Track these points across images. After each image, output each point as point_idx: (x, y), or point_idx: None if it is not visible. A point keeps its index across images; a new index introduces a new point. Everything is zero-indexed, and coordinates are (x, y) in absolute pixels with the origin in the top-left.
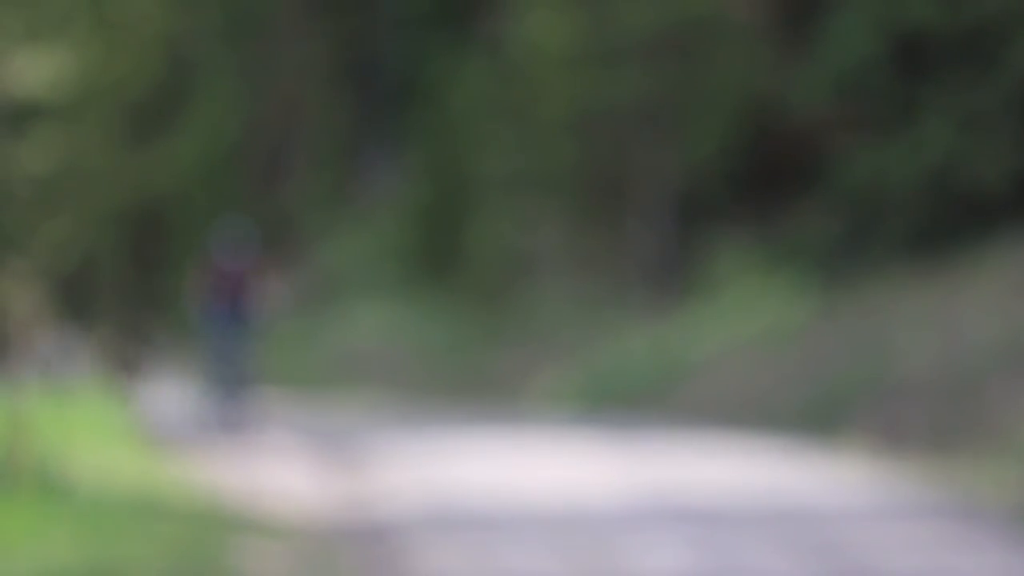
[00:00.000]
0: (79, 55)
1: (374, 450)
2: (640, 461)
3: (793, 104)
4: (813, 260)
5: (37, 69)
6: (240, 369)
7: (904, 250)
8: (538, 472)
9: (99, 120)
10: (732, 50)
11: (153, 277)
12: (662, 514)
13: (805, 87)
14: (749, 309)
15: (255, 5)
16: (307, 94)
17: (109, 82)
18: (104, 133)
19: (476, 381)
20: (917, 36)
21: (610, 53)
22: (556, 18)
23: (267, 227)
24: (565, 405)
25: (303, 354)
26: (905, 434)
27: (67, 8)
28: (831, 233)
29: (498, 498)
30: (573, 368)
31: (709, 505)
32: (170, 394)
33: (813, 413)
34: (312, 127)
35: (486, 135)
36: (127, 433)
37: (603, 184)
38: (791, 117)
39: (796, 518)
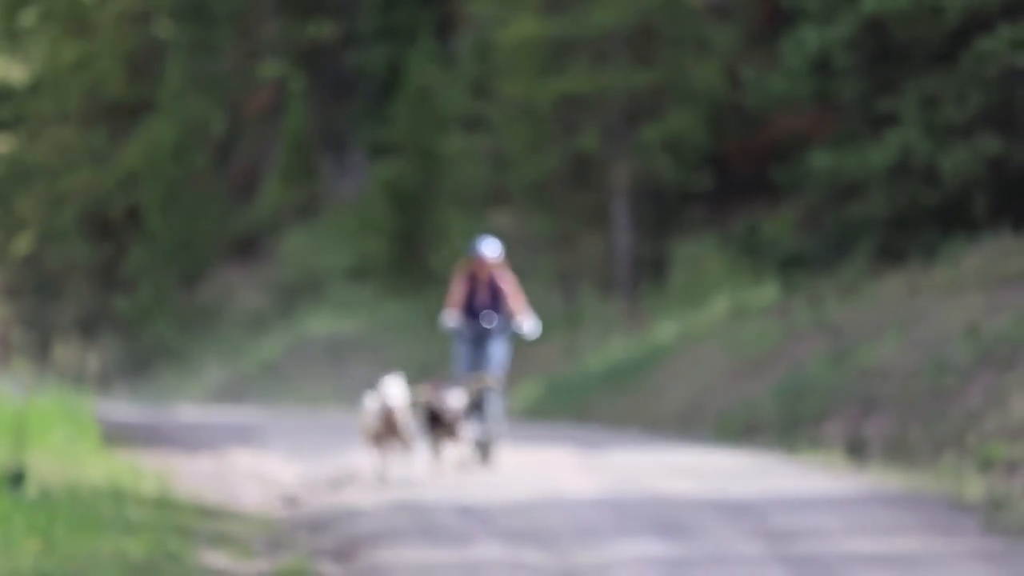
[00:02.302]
0: (53, 51)
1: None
2: (603, 463)
3: (757, 102)
4: (776, 261)
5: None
6: (489, 383)
7: (865, 246)
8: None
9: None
10: (700, 48)
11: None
12: (628, 507)
13: (771, 83)
14: (713, 311)
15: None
16: (281, 98)
17: (83, 78)
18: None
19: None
20: (883, 28)
21: (576, 51)
22: (525, 23)
23: (242, 223)
24: (526, 411)
25: (274, 341)
26: (867, 435)
27: (43, 8)
28: (794, 234)
29: (469, 490)
30: (534, 377)
31: (676, 501)
32: (130, 393)
33: (778, 418)
34: (285, 129)
35: (458, 140)
36: (89, 431)
37: (574, 185)
38: (755, 116)
39: (756, 510)
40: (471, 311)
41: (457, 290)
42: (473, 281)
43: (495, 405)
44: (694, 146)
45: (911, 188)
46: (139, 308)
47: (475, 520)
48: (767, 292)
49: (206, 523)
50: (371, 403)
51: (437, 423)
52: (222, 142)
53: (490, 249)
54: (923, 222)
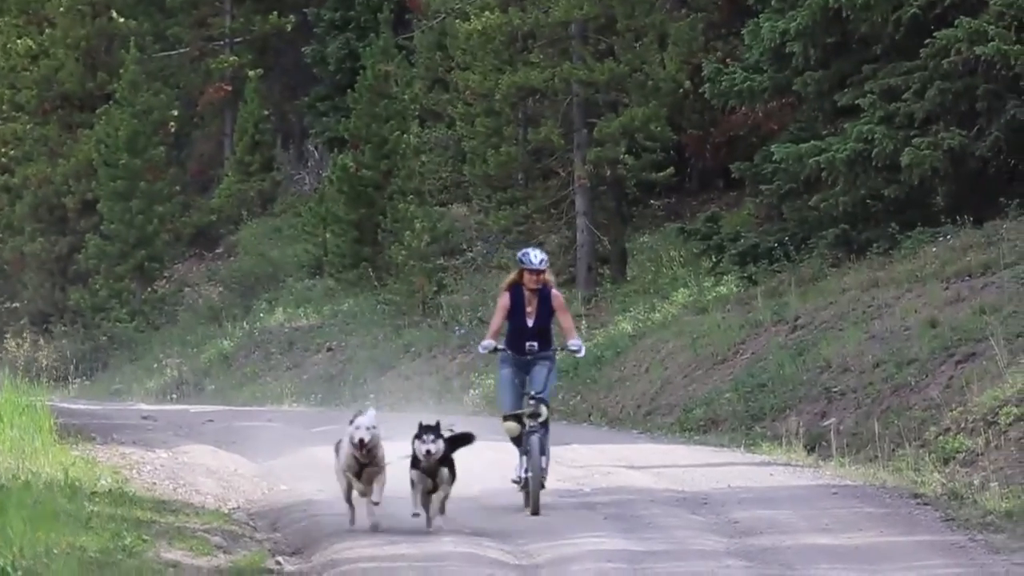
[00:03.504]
0: (7, 43)
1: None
2: (563, 457)
3: (717, 95)
4: (736, 254)
5: None
6: (536, 404)
7: (825, 240)
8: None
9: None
10: (661, 40)
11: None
12: (588, 501)
13: (731, 75)
14: (673, 305)
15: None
16: (237, 91)
17: (37, 70)
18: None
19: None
20: (842, 20)
21: (535, 43)
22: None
23: (198, 216)
24: (485, 406)
25: (232, 335)
26: (827, 428)
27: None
28: (754, 227)
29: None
30: (493, 371)
31: (636, 495)
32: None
33: (739, 412)
34: (242, 122)
35: (416, 133)
36: (43, 425)
37: (533, 178)
38: (716, 109)
39: (716, 504)
40: (516, 330)
41: (500, 311)
42: (519, 296)
43: (543, 440)
44: (654, 139)
45: (871, 181)
46: (95, 301)
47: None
48: (727, 285)
49: (163, 517)
50: (349, 438)
51: (415, 462)
52: (178, 134)
53: (538, 258)
54: (883, 215)
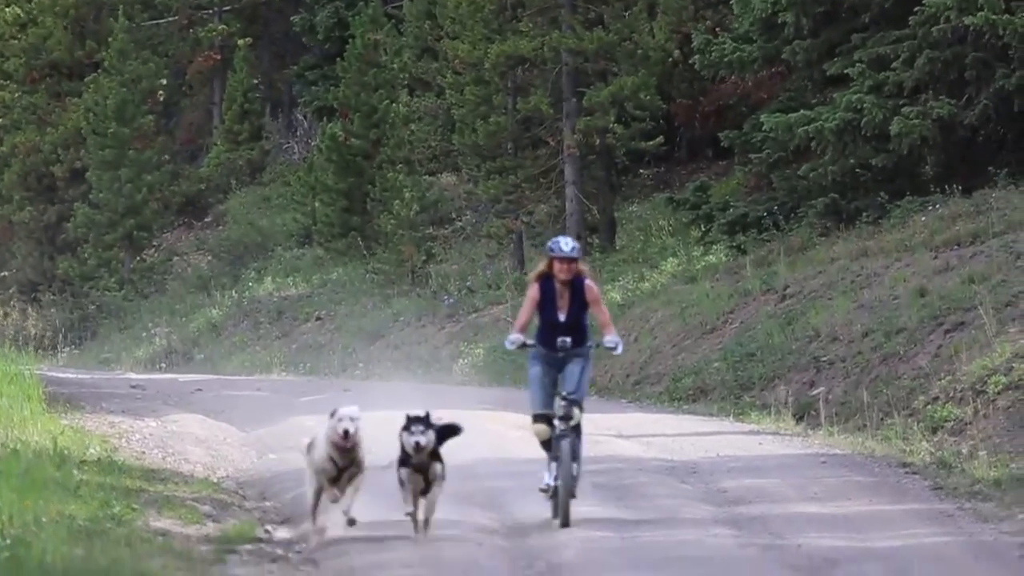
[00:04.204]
0: None
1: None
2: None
3: (707, 64)
4: (725, 223)
5: None
6: (568, 406)
7: (814, 209)
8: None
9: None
10: (650, 10)
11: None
12: (582, 470)
13: (720, 45)
14: (662, 274)
15: None
16: (226, 59)
17: (26, 38)
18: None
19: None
20: None
21: (524, 12)
22: None
23: (187, 185)
24: (475, 375)
25: (220, 304)
26: (816, 397)
27: None
28: (744, 196)
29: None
30: (482, 341)
31: (625, 464)
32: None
33: (728, 381)
34: (231, 91)
35: (405, 102)
36: (32, 394)
37: (523, 147)
38: (705, 78)
39: (705, 473)
40: (547, 325)
41: (528, 303)
42: (549, 288)
43: (575, 444)
44: (643, 108)
45: (860, 150)
46: (83, 270)
47: None
48: (716, 254)
49: (152, 486)
50: (329, 433)
51: (404, 459)
52: (167, 103)
53: (569, 245)
54: (872, 184)
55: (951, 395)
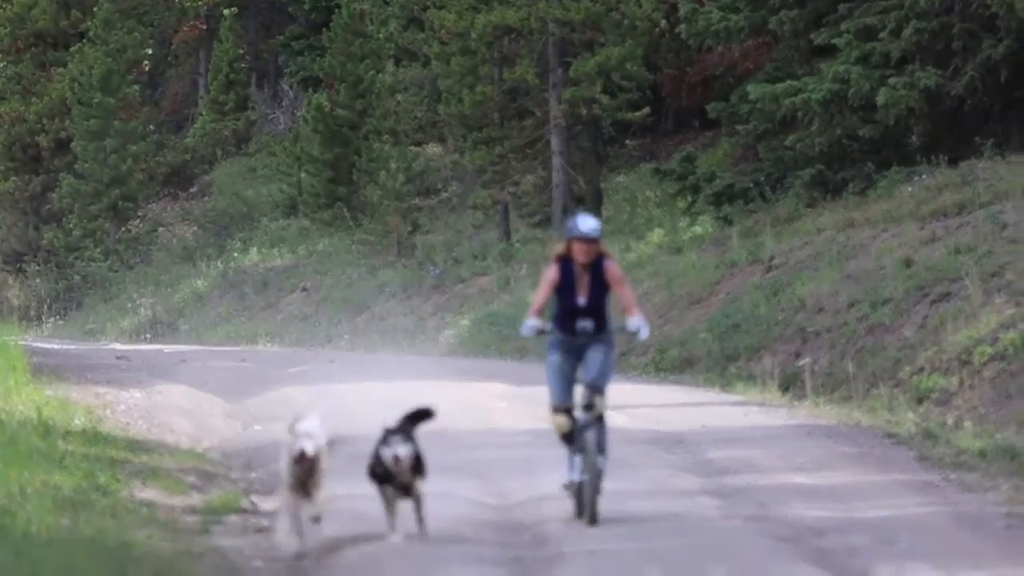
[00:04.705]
0: None
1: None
2: (538, 398)
3: (693, 34)
4: (712, 193)
5: None
6: (591, 394)
7: (801, 179)
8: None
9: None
10: None
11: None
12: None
13: (707, 14)
14: (648, 244)
15: None
16: (212, 29)
17: (11, 7)
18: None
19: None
20: None
21: None
22: None
23: (173, 155)
24: (461, 346)
25: (206, 274)
26: (802, 368)
27: None
28: (730, 166)
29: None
30: (469, 311)
31: (611, 435)
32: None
33: (714, 352)
34: (216, 61)
35: (392, 72)
36: (17, 364)
37: (509, 118)
38: (692, 48)
39: (691, 443)
40: (567, 309)
41: (545, 285)
42: (568, 270)
43: (600, 436)
44: (630, 78)
45: (847, 121)
46: (68, 240)
47: None
48: (702, 225)
49: (137, 457)
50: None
51: (386, 477)
52: (152, 73)
53: (590, 225)
54: (859, 155)
55: (937, 366)
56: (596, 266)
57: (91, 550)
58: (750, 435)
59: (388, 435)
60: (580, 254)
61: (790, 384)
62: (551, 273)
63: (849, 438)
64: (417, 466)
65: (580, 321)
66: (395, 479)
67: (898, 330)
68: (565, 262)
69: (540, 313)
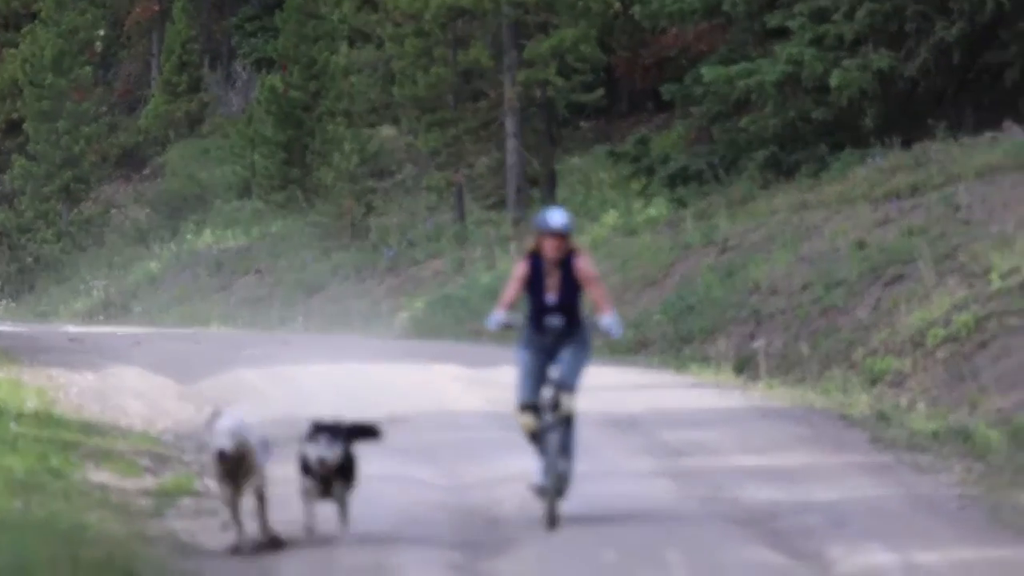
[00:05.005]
0: None
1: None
2: (491, 380)
3: (647, 16)
4: (666, 176)
5: None
6: (556, 393)
7: (754, 162)
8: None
9: None
10: None
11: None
12: (516, 423)
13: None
14: (602, 226)
15: None
16: (164, 10)
17: None
18: None
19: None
20: None
21: None
22: None
23: (125, 137)
24: (414, 329)
25: (159, 256)
26: (756, 350)
27: None
28: (684, 149)
29: (358, 406)
30: (423, 294)
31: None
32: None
33: (668, 334)
34: (169, 42)
35: (345, 54)
36: None
37: (463, 100)
38: (646, 31)
39: (645, 426)
40: (536, 307)
41: (514, 281)
42: (538, 267)
43: (568, 438)
44: (584, 60)
45: (800, 103)
46: (20, 222)
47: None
48: (656, 207)
49: (90, 439)
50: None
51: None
52: (104, 54)
53: (559, 219)
54: (813, 137)
55: (890, 347)
56: (567, 263)
57: (44, 532)
58: (704, 417)
59: (317, 432)
60: (550, 250)
61: (744, 366)
62: (519, 270)
63: (803, 420)
64: (347, 473)
65: (549, 318)
66: (316, 476)
67: (852, 312)
68: (535, 258)
69: (509, 308)
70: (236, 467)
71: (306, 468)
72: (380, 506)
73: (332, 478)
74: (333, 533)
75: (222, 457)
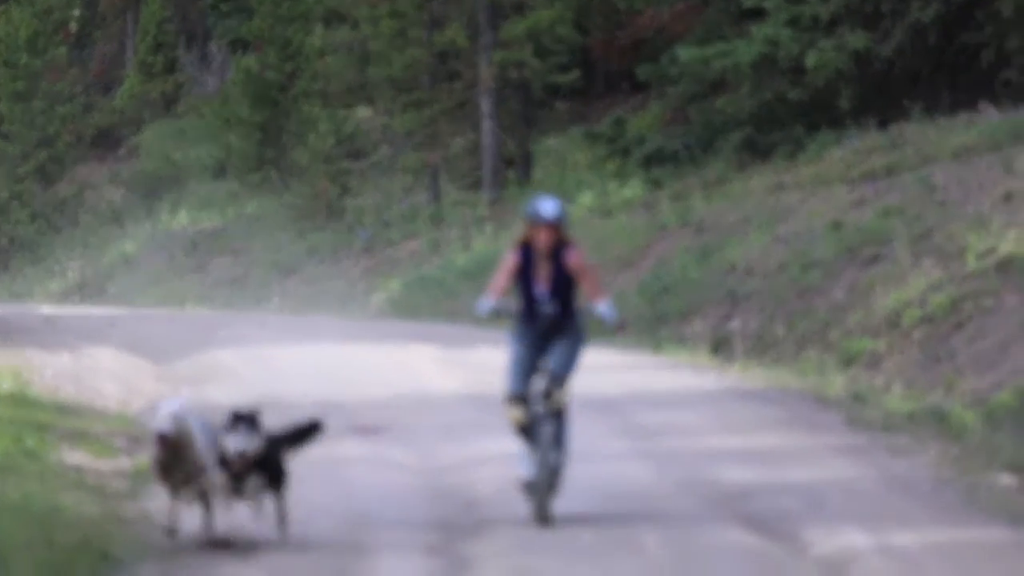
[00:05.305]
0: None
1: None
2: (467, 361)
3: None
4: (641, 157)
5: None
6: (549, 383)
7: (730, 142)
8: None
9: None
10: None
11: None
12: (491, 405)
13: None
14: (578, 207)
15: None
16: None
17: None
18: None
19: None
20: None
21: None
22: None
23: (101, 117)
24: (390, 309)
25: (135, 237)
26: (732, 331)
27: None
28: (660, 130)
29: (331, 386)
30: (398, 274)
31: None
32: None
33: (644, 315)
34: (144, 22)
35: (321, 35)
36: None
37: (439, 81)
38: (622, 11)
39: (621, 407)
40: (527, 297)
41: (504, 272)
42: (530, 256)
43: (560, 430)
44: (560, 41)
45: (776, 83)
46: None
47: (338, 417)
48: (632, 188)
49: (66, 421)
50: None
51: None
52: (80, 35)
53: (550, 210)
54: (789, 118)
55: (866, 328)
56: (558, 254)
57: (19, 514)
58: (681, 398)
59: (237, 421)
60: (540, 240)
61: (720, 347)
62: (508, 260)
63: (778, 401)
64: (273, 474)
65: (540, 307)
66: (233, 471)
67: (827, 293)
68: (526, 248)
69: (498, 295)
70: (173, 458)
71: (223, 461)
72: (356, 487)
73: (246, 474)
74: (260, 536)
75: (162, 440)
